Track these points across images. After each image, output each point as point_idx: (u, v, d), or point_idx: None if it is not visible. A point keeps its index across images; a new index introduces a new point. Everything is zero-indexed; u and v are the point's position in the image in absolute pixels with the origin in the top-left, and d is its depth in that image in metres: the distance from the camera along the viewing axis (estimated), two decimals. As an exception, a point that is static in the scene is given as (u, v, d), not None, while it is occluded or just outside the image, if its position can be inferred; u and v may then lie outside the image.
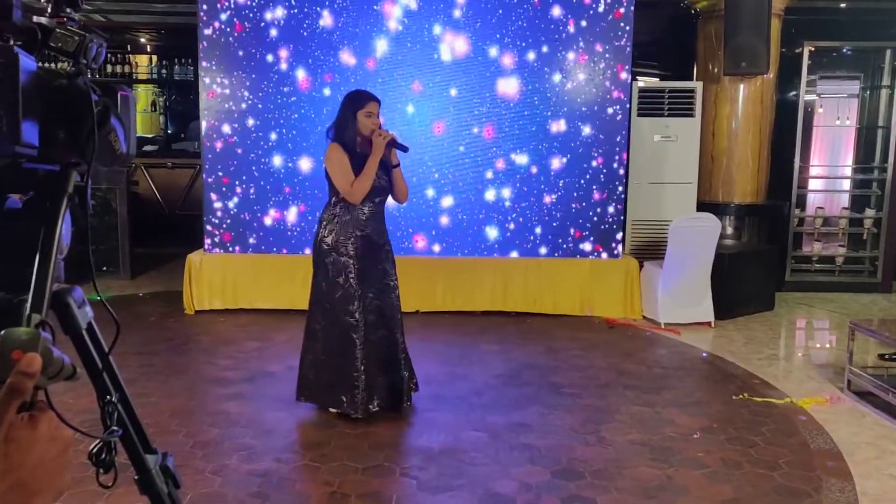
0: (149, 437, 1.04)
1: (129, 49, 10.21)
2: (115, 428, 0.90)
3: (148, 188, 9.23)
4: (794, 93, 7.65)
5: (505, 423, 3.94)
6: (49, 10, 0.92)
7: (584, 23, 6.20)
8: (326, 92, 6.19)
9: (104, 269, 7.41)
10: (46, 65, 0.88)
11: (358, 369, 3.80)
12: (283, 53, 6.18)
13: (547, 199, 6.34)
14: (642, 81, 7.33)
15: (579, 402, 4.32)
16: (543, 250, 6.38)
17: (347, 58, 6.17)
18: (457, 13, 6.16)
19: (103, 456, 0.86)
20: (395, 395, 3.98)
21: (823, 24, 7.65)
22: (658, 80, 8.42)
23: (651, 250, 6.82)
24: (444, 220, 6.35)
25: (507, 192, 6.33)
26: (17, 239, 0.87)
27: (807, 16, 7.51)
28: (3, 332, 0.71)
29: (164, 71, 9.99)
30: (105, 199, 7.42)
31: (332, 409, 3.90)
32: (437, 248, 6.36)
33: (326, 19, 6.15)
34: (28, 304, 0.82)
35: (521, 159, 6.31)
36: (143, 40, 10.38)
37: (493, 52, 6.20)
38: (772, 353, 5.51)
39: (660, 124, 6.89)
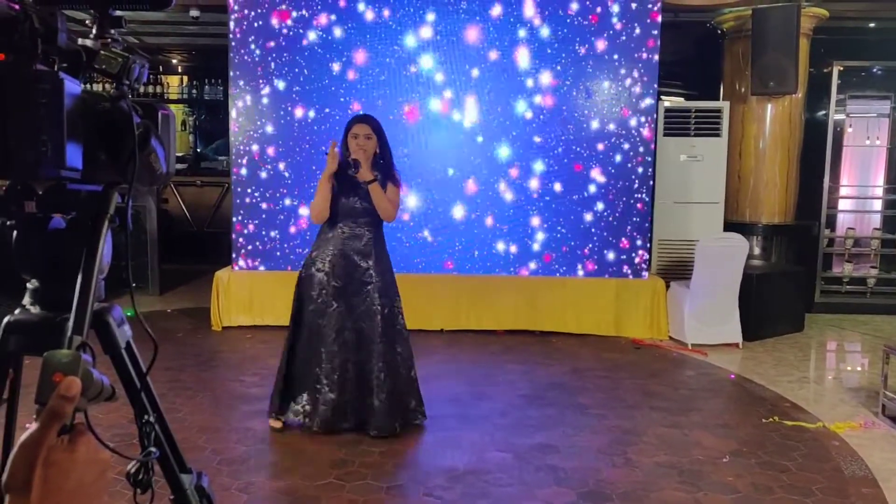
0: (182, 456, 1.05)
1: (160, 70, 10.41)
2: (152, 449, 0.91)
3: (177, 205, 9.36)
4: (823, 112, 7.57)
5: (530, 444, 3.91)
6: (94, 31, 0.94)
7: (610, 43, 6.21)
8: (355, 110, 6.25)
9: (134, 285, 7.51)
10: (89, 86, 0.91)
11: (321, 381, 3.81)
12: (312, 75, 6.26)
13: (572, 219, 6.32)
14: (668, 101, 7.30)
15: (605, 423, 4.28)
16: (569, 269, 6.36)
17: (376, 75, 6.24)
18: (483, 31, 6.20)
19: (140, 476, 0.87)
20: (361, 418, 3.90)
21: (853, 44, 7.59)
22: (683, 99, 8.39)
23: (678, 270, 6.76)
24: (469, 238, 6.35)
25: (533, 212, 6.32)
26: (62, 259, 0.89)
27: (836, 35, 7.45)
28: (45, 354, 0.72)
29: (194, 91, 10.17)
30: (135, 216, 7.53)
31: (280, 418, 3.92)
32: (461, 266, 6.37)
33: (358, 44, 6.23)
34: (70, 325, 0.84)
35: (547, 178, 6.31)
36: (174, 61, 10.59)
37: (518, 71, 6.23)
38: (802, 375, 5.42)
39: (686, 144, 6.86)
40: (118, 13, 0.96)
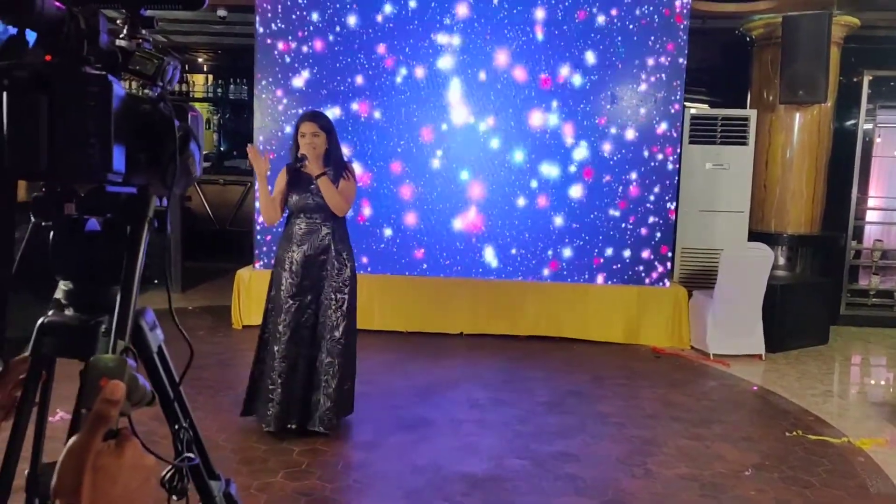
0: (211, 463, 1.04)
1: (186, 68, 10.49)
2: (190, 455, 0.90)
3: (200, 204, 9.42)
4: (852, 122, 7.46)
5: (549, 452, 3.88)
6: (125, 30, 0.93)
7: (636, 48, 6.17)
8: (377, 115, 6.26)
9: (155, 282, 7.54)
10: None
11: (275, 382, 3.80)
12: (336, 76, 6.27)
13: (595, 225, 6.28)
14: (694, 108, 7.24)
15: (625, 432, 4.23)
16: (591, 276, 6.32)
17: (398, 78, 6.24)
18: (506, 35, 6.19)
19: (175, 482, 0.86)
20: (306, 414, 3.87)
21: (884, 53, 7.47)
22: (709, 107, 8.31)
23: (700, 279, 6.69)
24: (490, 242, 6.33)
25: (555, 218, 6.29)
26: (98, 261, 0.88)
27: (867, 45, 7.35)
28: (91, 359, 0.72)
29: (219, 90, 10.23)
30: (163, 216, 7.58)
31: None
32: (483, 270, 6.34)
33: (380, 47, 6.23)
34: (106, 328, 0.83)
35: (569, 184, 6.27)
36: (200, 60, 10.66)
37: (540, 76, 6.20)
38: (826, 389, 5.33)
39: (711, 152, 6.79)
40: (150, 13, 0.95)
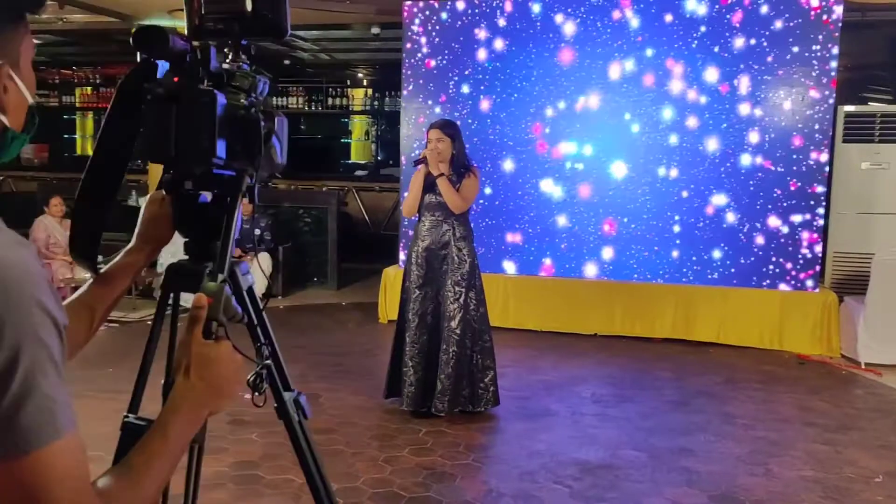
0: (288, 378, 1.37)
1: (348, 83, 11.32)
2: (268, 361, 1.23)
3: (357, 209, 10.14)
4: None
5: (668, 447, 3.94)
6: (230, 56, 1.27)
7: (786, 44, 5.99)
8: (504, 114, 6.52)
9: (315, 279, 8.28)
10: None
11: (407, 365, 4.15)
12: (480, 87, 6.60)
13: (738, 228, 6.15)
14: (852, 107, 6.85)
15: (751, 433, 4.18)
16: (730, 279, 6.19)
17: (528, 86, 6.47)
18: (652, 36, 6.23)
19: (257, 382, 1.18)
20: (432, 397, 4.16)
21: None
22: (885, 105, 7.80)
23: (856, 284, 6.33)
24: (629, 245, 6.37)
25: (696, 220, 6.23)
26: (207, 224, 1.23)
27: None
28: (200, 285, 1.03)
29: (375, 103, 10.94)
30: (318, 218, 8.31)
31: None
32: (619, 272, 6.40)
33: (521, 60, 6.50)
34: (210, 270, 1.17)
35: (712, 187, 6.19)
36: (359, 75, 11.46)
37: (687, 74, 6.18)
38: None
39: (869, 151, 6.41)
40: (245, 43, 1.29)
